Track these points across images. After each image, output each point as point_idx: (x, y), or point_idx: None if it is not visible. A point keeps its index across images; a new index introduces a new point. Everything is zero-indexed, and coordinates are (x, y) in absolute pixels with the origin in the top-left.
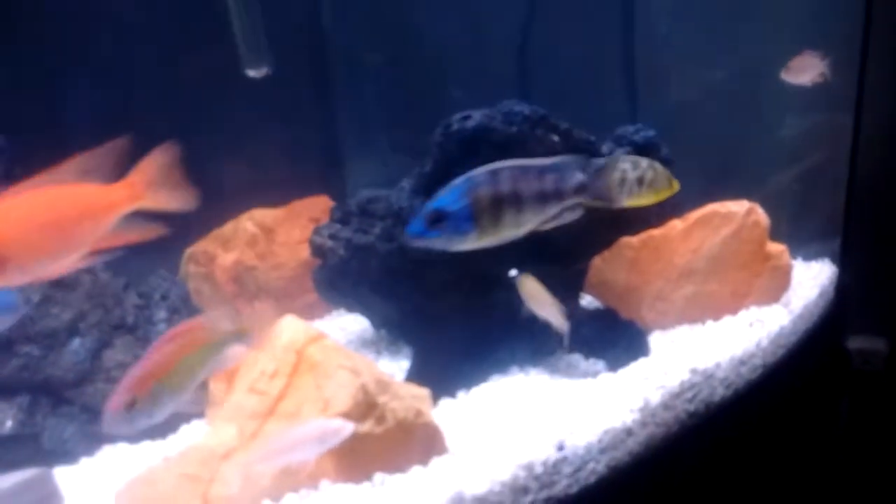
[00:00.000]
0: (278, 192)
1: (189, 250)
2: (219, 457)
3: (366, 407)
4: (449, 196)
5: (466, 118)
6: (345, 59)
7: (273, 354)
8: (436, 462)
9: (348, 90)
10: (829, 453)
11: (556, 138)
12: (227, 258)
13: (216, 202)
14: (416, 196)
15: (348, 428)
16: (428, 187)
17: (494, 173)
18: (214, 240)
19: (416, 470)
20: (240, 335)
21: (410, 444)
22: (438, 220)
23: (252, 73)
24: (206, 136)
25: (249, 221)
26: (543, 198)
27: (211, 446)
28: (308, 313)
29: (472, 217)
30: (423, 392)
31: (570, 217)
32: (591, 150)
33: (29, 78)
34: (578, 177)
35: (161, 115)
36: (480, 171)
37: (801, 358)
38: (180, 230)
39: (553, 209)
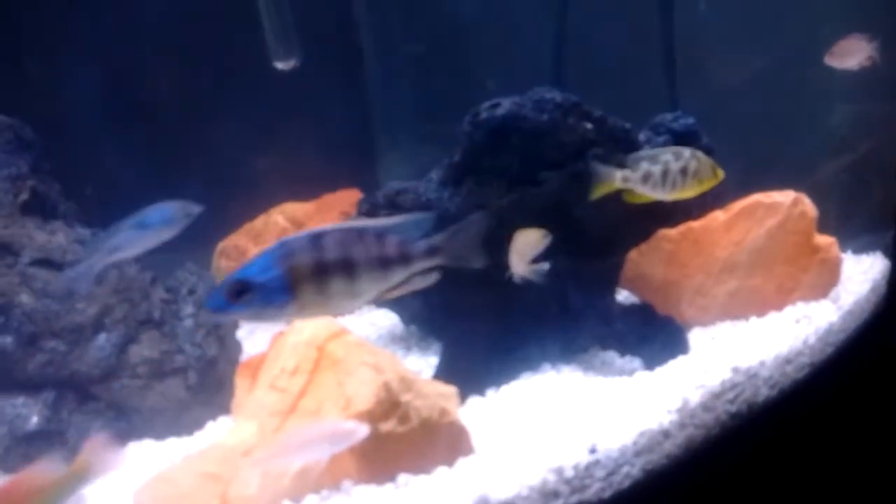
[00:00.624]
0: (311, 186)
1: (221, 244)
2: (239, 455)
3: (389, 405)
4: (257, 265)
5: (495, 106)
6: (377, 50)
7: (294, 350)
8: (462, 463)
9: (381, 82)
10: (881, 457)
11: (589, 126)
12: (258, 252)
13: (249, 196)
14: (444, 187)
15: (362, 430)
16: (457, 178)
17: (317, 238)
18: (245, 234)
19: (441, 471)
20: (79, 475)
21: (435, 444)
22: (243, 291)
23: (280, 65)
24: (238, 129)
25: (280, 215)
26: (385, 263)
27: (231, 444)
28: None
29: (288, 287)
30: (450, 390)
31: (423, 284)
32: (627, 139)
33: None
34: (431, 239)
35: (192, 109)
36: (300, 236)
37: (851, 356)
38: (214, 224)
39: (400, 275)
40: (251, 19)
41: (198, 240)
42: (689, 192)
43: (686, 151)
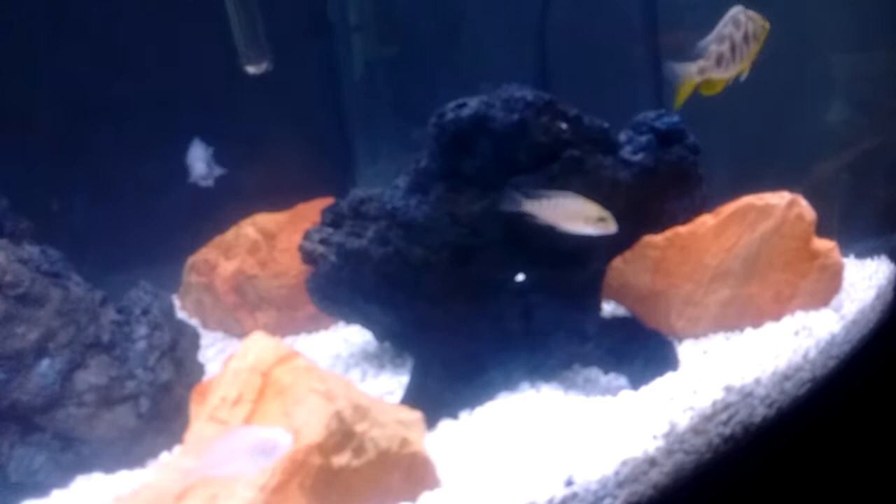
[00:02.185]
0: (286, 196)
1: (191, 259)
2: (174, 496)
3: (342, 436)
4: None
5: (462, 106)
6: (353, 54)
7: (236, 377)
8: (425, 498)
9: (358, 87)
10: (890, 481)
11: (563, 126)
12: (227, 267)
13: (221, 208)
14: (411, 195)
15: (286, 440)
16: (424, 184)
17: None
18: (216, 247)
19: None
20: None
21: (395, 477)
22: None
23: (252, 69)
24: (214, 139)
25: (251, 227)
26: None
27: (166, 483)
28: (312, 324)
29: None
30: (413, 417)
31: None
32: (605, 139)
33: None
34: None
35: (169, 118)
36: None
37: (856, 370)
38: (186, 238)
39: None
40: (222, 23)
41: (167, 256)
42: (752, 55)
43: (740, 15)
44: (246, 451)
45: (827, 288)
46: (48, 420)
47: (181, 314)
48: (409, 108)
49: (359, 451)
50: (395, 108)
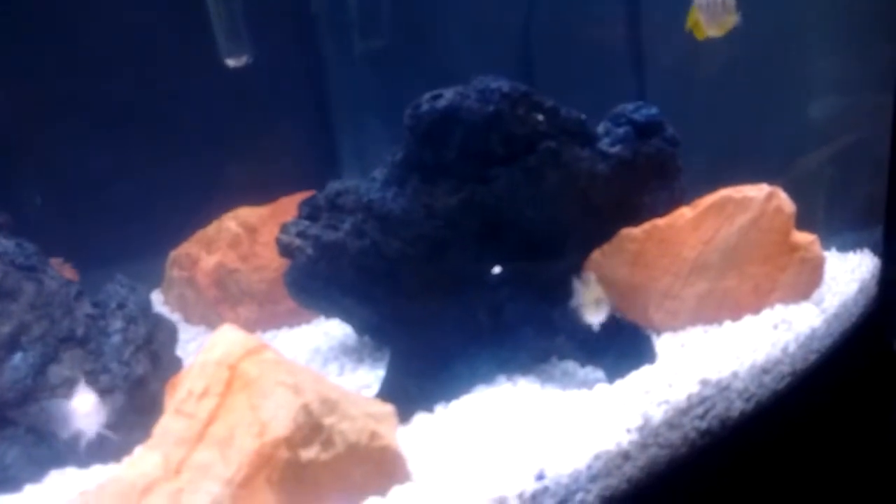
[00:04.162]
0: (269, 190)
1: (173, 253)
2: (139, 491)
3: (309, 430)
4: None
5: (437, 97)
6: (338, 47)
7: (203, 370)
8: (395, 492)
9: (343, 81)
10: (873, 477)
11: (540, 118)
12: (209, 261)
13: (207, 201)
14: (388, 187)
15: None
16: (401, 177)
17: None
18: (198, 241)
19: (373, 501)
20: None
21: (364, 471)
22: None
23: (231, 62)
24: (196, 133)
25: (233, 221)
26: None
27: (131, 478)
28: (293, 318)
29: None
30: (385, 409)
31: None
32: (581, 131)
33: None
34: None
35: (152, 113)
36: None
37: (837, 364)
38: (170, 232)
39: None
40: (203, 16)
41: (151, 250)
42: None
43: None
44: None
45: (807, 281)
46: (21, 414)
47: (164, 309)
48: (393, 102)
49: (327, 444)
50: (380, 102)
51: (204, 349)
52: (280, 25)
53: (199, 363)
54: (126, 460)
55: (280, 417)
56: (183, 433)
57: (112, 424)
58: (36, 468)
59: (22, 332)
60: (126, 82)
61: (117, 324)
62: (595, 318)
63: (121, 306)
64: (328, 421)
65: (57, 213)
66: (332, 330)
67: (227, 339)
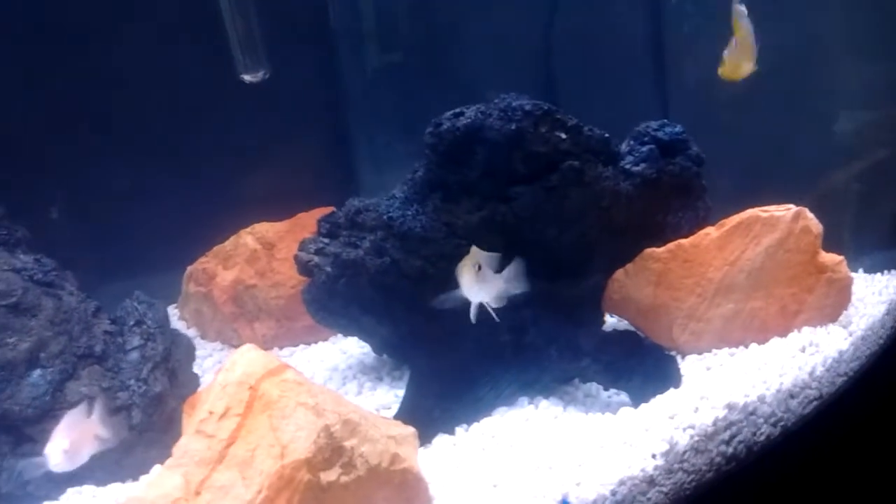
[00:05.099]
0: (287, 205)
1: (189, 269)
2: None
3: (330, 452)
4: None
5: (458, 115)
6: (356, 62)
7: (224, 390)
8: None
9: (361, 95)
10: None
11: (563, 136)
12: (226, 276)
13: (224, 216)
14: (408, 205)
15: None
16: (422, 195)
17: None
18: (214, 257)
19: None
20: None
21: (385, 493)
22: None
23: (248, 78)
24: (213, 147)
25: (250, 236)
26: None
27: (150, 499)
28: (310, 335)
29: None
30: (406, 432)
31: None
32: (605, 149)
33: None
34: None
35: (168, 127)
36: None
37: (865, 388)
38: (186, 246)
39: None
40: (220, 32)
41: (167, 265)
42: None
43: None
44: None
45: (835, 303)
46: (39, 431)
47: (180, 324)
48: (412, 116)
49: (348, 467)
50: (398, 117)
51: (224, 369)
52: (298, 40)
53: (219, 383)
54: (145, 479)
55: (301, 439)
56: (203, 453)
57: (129, 442)
58: (54, 485)
59: (41, 349)
60: (144, 97)
61: (135, 340)
62: (477, 296)
63: (139, 323)
64: (349, 443)
65: (75, 226)
66: (350, 348)
67: (248, 358)
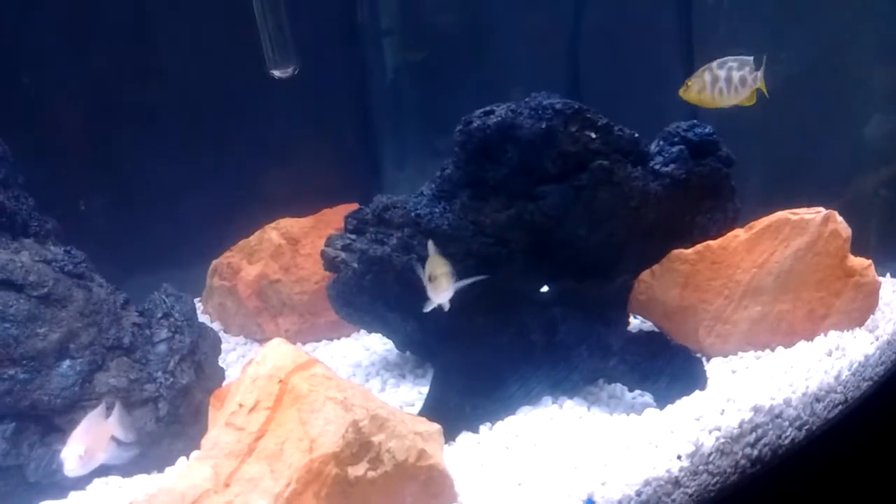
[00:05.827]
0: (312, 200)
1: (214, 262)
2: (189, 502)
3: (358, 447)
4: None
5: (489, 113)
6: (383, 58)
7: (254, 384)
8: None
9: (386, 92)
10: None
11: (593, 135)
12: (250, 271)
13: (249, 210)
14: (436, 202)
15: None
16: (450, 192)
17: None
18: (239, 251)
19: None
20: None
21: (412, 489)
22: None
23: (278, 73)
24: (241, 143)
25: (275, 231)
26: None
27: (181, 490)
28: (333, 331)
29: None
30: (432, 429)
31: None
32: (635, 149)
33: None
34: None
35: (196, 122)
36: None
37: (891, 393)
38: (211, 241)
39: None
40: (250, 27)
41: (192, 258)
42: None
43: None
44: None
45: (862, 307)
46: (67, 422)
47: (204, 317)
48: (436, 113)
49: (375, 462)
50: (423, 114)
51: (254, 362)
52: (324, 36)
53: (249, 376)
54: (171, 471)
55: (330, 433)
56: (233, 446)
57: (155, 434)
58: (80, 475)
59: (70, 340)
60: (174, 94)
61: (163, 333)
62: (439, 296)
63: (166, 315)
64: (377, 438)
65: (103, 219)
66: (373, 344)
67: (278, 352)
